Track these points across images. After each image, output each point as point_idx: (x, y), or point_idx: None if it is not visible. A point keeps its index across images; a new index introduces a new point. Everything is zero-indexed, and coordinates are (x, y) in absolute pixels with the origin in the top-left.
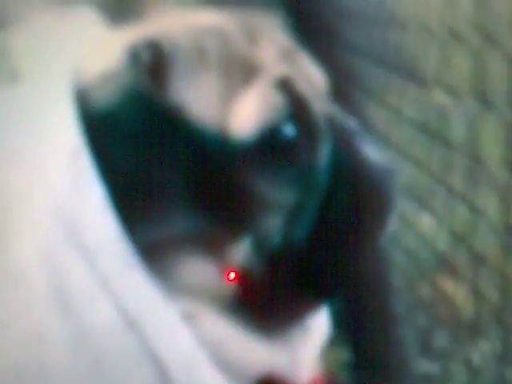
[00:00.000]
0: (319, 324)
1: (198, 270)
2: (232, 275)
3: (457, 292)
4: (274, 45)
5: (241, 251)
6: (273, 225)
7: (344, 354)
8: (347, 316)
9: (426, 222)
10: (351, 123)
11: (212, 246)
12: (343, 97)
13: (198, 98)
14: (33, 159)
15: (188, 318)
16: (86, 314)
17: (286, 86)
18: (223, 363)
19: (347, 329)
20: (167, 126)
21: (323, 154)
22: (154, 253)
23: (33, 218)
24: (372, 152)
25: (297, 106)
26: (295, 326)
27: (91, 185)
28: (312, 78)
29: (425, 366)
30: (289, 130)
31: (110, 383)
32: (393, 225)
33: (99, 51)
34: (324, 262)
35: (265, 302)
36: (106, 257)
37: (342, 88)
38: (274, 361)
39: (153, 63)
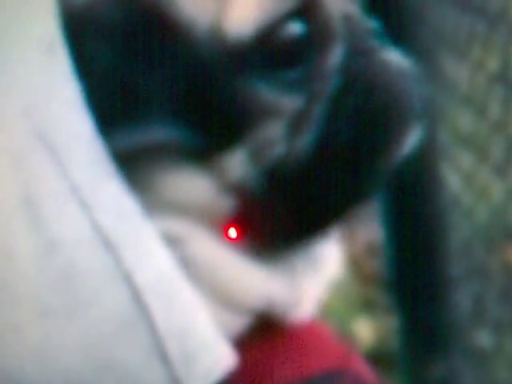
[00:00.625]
0: (329, 257)
1: (187, 184)
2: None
3: None
4: None
5: (237, 163)
6: (273, 134)
7: (394, 320)
8: (400, 279)
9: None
10: (372, 24)
11: (203, 157)
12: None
13: None
14: (9, 57)
15: (176, 239)
16: (55, 226)
17: None
18: (215, 290)
19: (399, 292)
20: (151, 22)
21: (334, 55)
22: (135, 163)
23: (6, 119)
24: (393, 56)
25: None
26: (299, 253)
27: (66, 82)
28: None
29: (478, 337)
30: (294, 27)
31: (80, 302)
32: (413, 143)
33: None
34: (331, 181)
35: (265, 224)
36: (78, 162)
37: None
38: (272, 290)
39: None
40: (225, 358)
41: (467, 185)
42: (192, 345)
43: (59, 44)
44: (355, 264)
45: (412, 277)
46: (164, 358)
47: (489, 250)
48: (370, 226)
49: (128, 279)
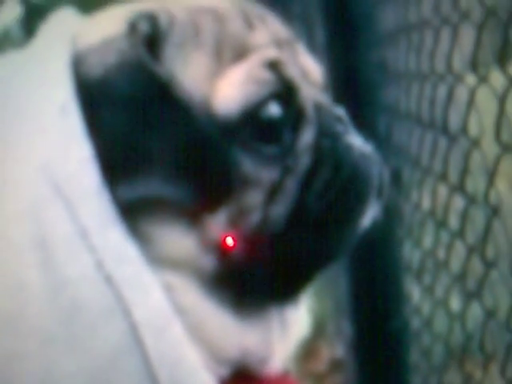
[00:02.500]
0: (298, 319)
1: (177, 239)
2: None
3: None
4: (269, 32)
5: (219, 225)
6: (252, 201)
7: None
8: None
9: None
10: (339, 112)
11: (191, 216)
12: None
13: (189, 72)
14: (21, 117)
15: (168, 289)
16: (64, 265)
17: (274, 67)
18: (199, 338)
19: None
20: (157, 95)
21: (307, 136)
22: (136, 217)
23: (20, 175)
24: (355, 140)
25: (284, 87)
26: (273, 311)
27: (77, 142)
28: (306, 67)
29: None
30: (273, 109)
31: (83, 333)
32: (373, 215)
33: (99, 21)
34: (302, 245)
35: (243, 282)
36: (87, 210)
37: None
38: (248, 343)
39: (149, 34)
40: None
41: (427, 294)
42: (180, 372)
43: (72, 107)
44: (319, 380)
45: None
46: (155, 383)
47: (448, 362)
48: (333, 343)
49: (127, 314)
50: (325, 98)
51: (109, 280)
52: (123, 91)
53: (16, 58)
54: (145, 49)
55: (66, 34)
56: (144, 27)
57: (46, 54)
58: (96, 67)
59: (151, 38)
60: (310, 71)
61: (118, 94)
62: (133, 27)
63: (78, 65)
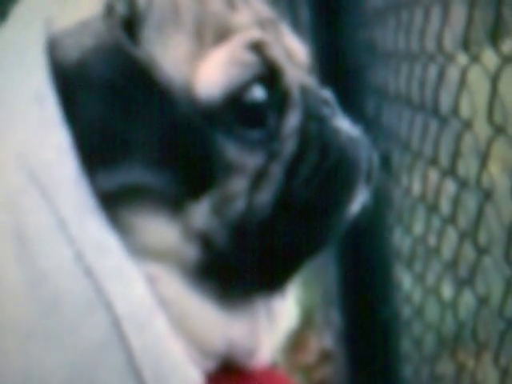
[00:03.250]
0: (286, 310)
1: (160, 229)
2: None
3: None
4: (252, 12)
5: (202, 213)
6: (236, 188)
7: None
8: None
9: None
10: (326, 95)
11: (173, 205)
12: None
13: (169, 54)
14: None
15: (151, 280)
16: (42, 257)
17: (258, 49)
18: (183, 331)
19: None
20: (136, 79)
21: (292, 120)
22: (116, 206)
23: None
24: (343, 123)
25: (268, 70)
26: (259, 302)
27: (54, 129)
28: (291, 48)
29: None
30: (257, 93)
31: (63, 327)
32: (362, 201)
33: (75, 2)
34: (288, 233)
35: (228, 272)
36: (65, 199)
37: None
38: (233, 335)
39: (127, 16)
40: (193, 380)
41: (418, 281)
42: (164, 367)
43: (48, 94)
44: (308, 371)
45: (366, 377)
46: (139, 378)
47: (440, 351)
48: (321, 334)
49: (108, 307)
50: (311, 80)
51: (89, 272)
52: (100, 75)
53: None
54: (122, 31)
55: (41, 17)
56: (121, 9)
57: (20, 37)
58: (72, 51)
59: (129, 19)
60: (294, 52)
61: (95, 79)
62: (110, 9)
63: (53, 48)
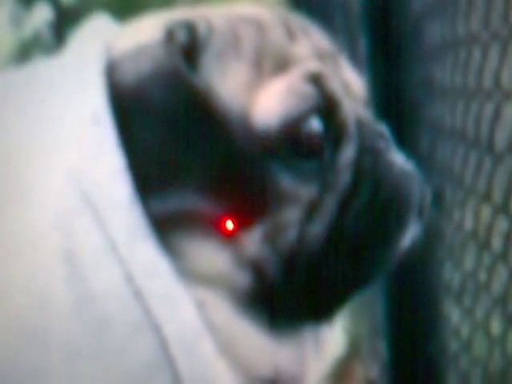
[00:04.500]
0: (333, 338)
1: (211, 255)
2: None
3: None
4: (311, 43)
5: (254, 241)
6: (289, 218)
7: None
8: None
9: None
10: (381, 129)
11: (226, 231)
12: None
13: (227, 83)
14: (52, 125)
15: (200, 305)
16: (92, 279)
17: (316, 81)
18: (230, 356)
19: None
20: (194, 107)
21: (347, 153)
22: (168, 231)
23: (47, 183)
24: (396, 157)
25: (325, 102)
26: (307, 330)
27: (109, 151)
28: (348, 81)
29: None
30: (314, 124)
31: (111, 348)
32: (413, 236)
33: (134, 28)
34: (339, 265)
35: (277, 300)
36: (117, 222)
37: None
38: (280, 361)
39: (187, 43)
40: None
41: (467, 316)
42: None
43: (105, 116)
44: None
45: None
46: None
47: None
48: (367, 364)
49: (157, 329)
50: (366, 113)
51: (138, 294)
52: (158, 101)
53: (49, 64)
54: (182, 58)
55: (101, 41)
56: (182, 36)
57: (79, 60)
58: (130, 75)
59: (189, 46)
60: (351, 85)
61: (152, 104)
62: (170, 35)
63: (112, 71)
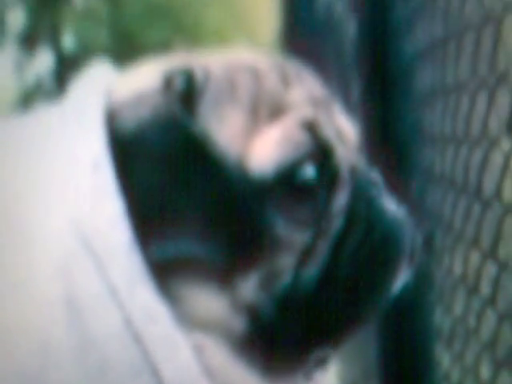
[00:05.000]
0: (326, 382)
1: (208, 300)
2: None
3: None
4: (306, 90)
5: (250, 287)
6: (283, 263)
7: None
8: None
9: None
10: (374, 175)
11: (222, 277)
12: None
13: (224, 129)
14: (53, 171)
15: (197, 349)
16: (92, 323)
17: (311, 128)
18: None
19: None
20: (191, 153)
21: (341, 199)
22: (165, 273)
23: (49, 229)
24: (388, 203)
25: (320, 149)
26: (300, 373)
27: (109, 197)
28: (342, 127)
29: None
30: (309, 172)
31: None
32: (405, 280)
33: (134, 74)
34: (332, 309)
35: (273, 344)
36: (117, 267)
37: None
38: None
39: (185, 90)
40: None
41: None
42: None
43: (105, 163)
44: None
45: None
46: None
47: None
48: None
49: (155, 372)
50: (359, 160)
51: (137, 338)
52: (156, 148)
53: (51, 111)
54: (180, 105)
55: (101, 88)
56: (180, 83)
57: (79, 107)
58: (130, 122)
59: (186, 93)
60: (345, 131)
61: (151, 151)
62: (168, 82)
63: (111, 119)
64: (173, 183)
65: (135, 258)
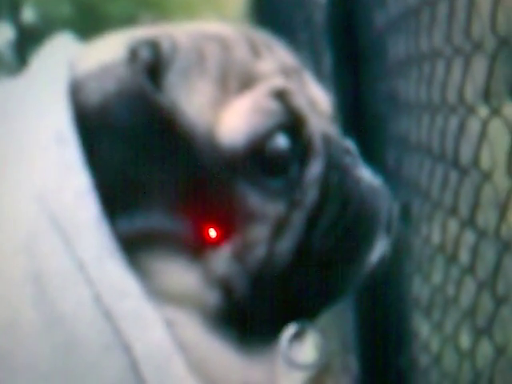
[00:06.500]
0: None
1: (180, 274)
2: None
3: None
4: (276, 60)
5: (223, 260)
6: (257, 236)
7: None
8: None
9: None
10: (348, 145)
11: (193, 250)
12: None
13: (192, 101)
14: (16, 145)
15: (170, 324)
16: (60, 300)
17: (282, 97)
18: (201, 374)
19: None
20: (159, 125)
21: (314, 169)
22: (136, 251)
23: (15, 207)
24: (364, 173)
25: (291, 118)
26: (277, 347)
27: (75, 172)
28: (314, 97)
29: None
30: (280, 141)
31: (80, 370)
32: (381, 251)
33: (98, 46)
34: (307, 282)
35: (247, 318)
36: (85, 243)
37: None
38: (252, 380)
39: (151, 61)
40: None
41: (436, 330)
42: None
43: (70, 137)
44: None
45: None
46: None
47: None
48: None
49: (126, 349)
50: (333, 129)
51: (107, 315)
52: (123, 121)
53: (11, 85)
54: (146, 76)
55: (64, 60)
56: (145, 54)
57: (42, 80)
58: (94, 94)
59: (153, 65)
60: (317, 101)
61: (117, 124)
62: (134, 54)
63: (76, 91)
64: (140, 156)
65: (103, 232)
